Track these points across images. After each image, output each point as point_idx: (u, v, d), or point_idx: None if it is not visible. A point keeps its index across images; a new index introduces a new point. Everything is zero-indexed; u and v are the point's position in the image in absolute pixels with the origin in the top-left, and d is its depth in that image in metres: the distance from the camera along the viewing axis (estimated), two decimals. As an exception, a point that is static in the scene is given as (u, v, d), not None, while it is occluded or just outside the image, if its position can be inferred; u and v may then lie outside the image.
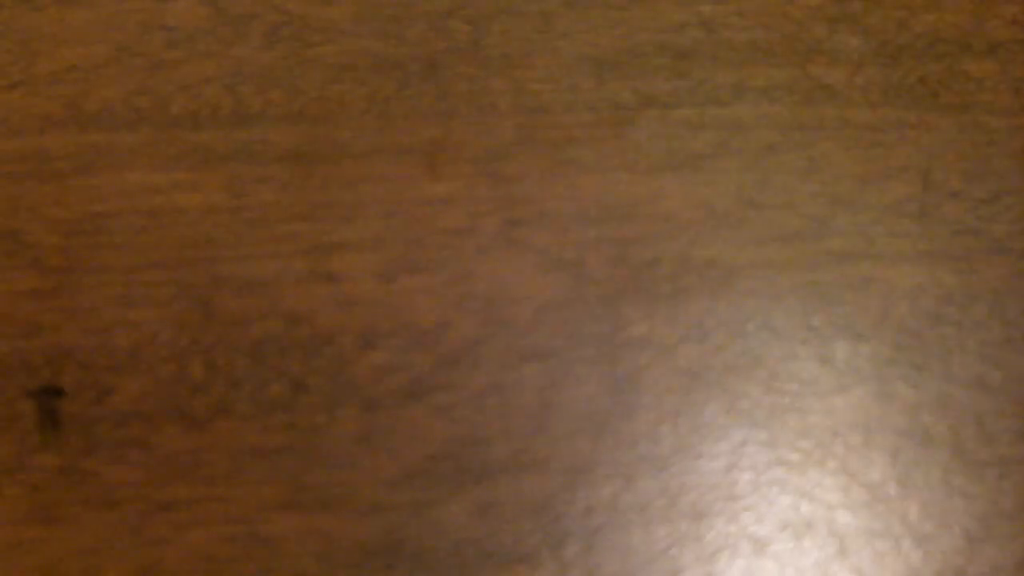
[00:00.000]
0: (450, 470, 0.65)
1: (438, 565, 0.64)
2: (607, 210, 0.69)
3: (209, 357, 0.66)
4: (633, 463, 0.66)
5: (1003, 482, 0.67)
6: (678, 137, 0.71)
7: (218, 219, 0.68)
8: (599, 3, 0.73)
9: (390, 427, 0.66)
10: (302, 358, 0.66)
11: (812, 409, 0.68)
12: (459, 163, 0.69)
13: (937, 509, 0.66)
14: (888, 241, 0.70)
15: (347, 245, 0.68)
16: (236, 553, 0.63)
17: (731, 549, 0.66)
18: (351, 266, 0.68)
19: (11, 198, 0.67)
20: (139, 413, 0.65)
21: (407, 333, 0.67)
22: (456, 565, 0.64)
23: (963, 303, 0.70)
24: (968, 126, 0.72)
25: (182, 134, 0.69)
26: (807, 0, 0.73)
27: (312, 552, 0.64)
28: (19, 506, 0.63)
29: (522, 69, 0.71)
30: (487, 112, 0.70)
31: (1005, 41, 0.73)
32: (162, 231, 0.67)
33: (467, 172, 0.69)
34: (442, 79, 0.71)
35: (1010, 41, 0.73)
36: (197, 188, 0.68)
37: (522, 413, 0.66)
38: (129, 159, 0.68)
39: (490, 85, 0.71)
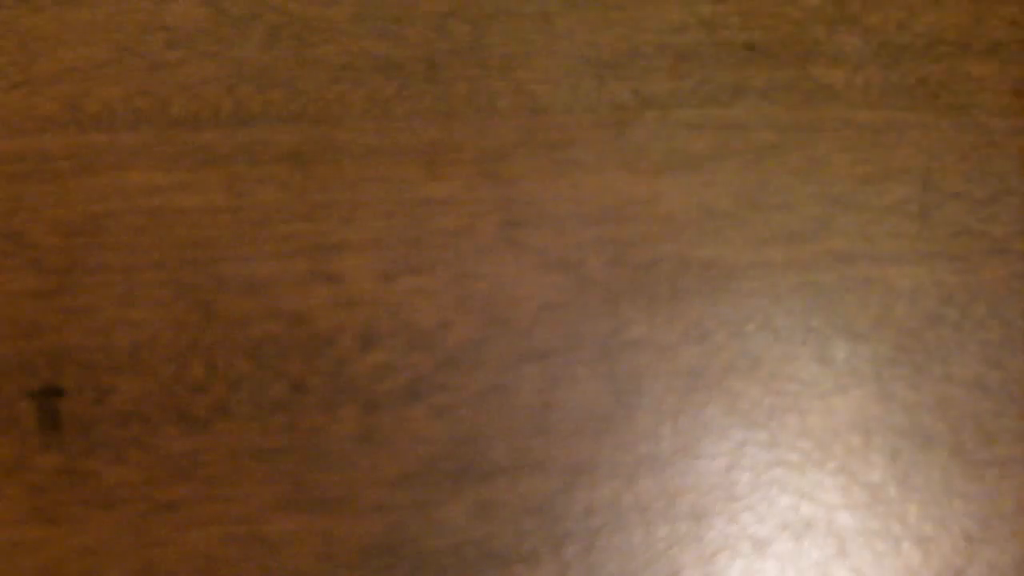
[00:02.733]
0: (450, 470, 0.65)
1: (438, 565, 0.64)
2: (607, 210, 0.69)
3: (209, 358, 0.66)
4: (633, 463, 0.66)
5: (1003, 482, 0.67)
6: (678, 137, 0.71)
7: (218, 219, 0.68)
8: (599, 3, 0.73)
9: (390, 427, 0.66)
10: (302, 358, 0.66)
11: (812, 409, 0.68)
12: (459, 163, 0.69)
13: (936, 510, 0.66)
14: (888, 241, 0.70)
15: (347, 245, 0.68)
16: (236, 553, 0.63)
17: (731, 549, 0.66)
18: (351, 266, 0.68)
19: (11, 198, 0.67)
20: (139, 413, 0.65)
21: (407, 333, 0.67)
22: (456, 565, 0.64)
23: (963, 303, 0.70)
24: (968, 126, 0.72)
25: (182, 134, 0.69)
26: (807, 0, 0.73)
27: (312, 552, 0.64)
28: (19, 506, 0.63)
29: (522, 70, 0.71)
30: (487, 112, 0.70)
31: (1005, 41, 0.73)
32: (162, 231, 0.67)
33: (467, 172, 0.69)
34: (442, 80, 0.71)
35: (1010, 41, 0.73)
36: (197, 188, 0.68)
37: (522, 413, 0.66)
38: (129, 159, 0.68)
39: (490, 86, 0.71)
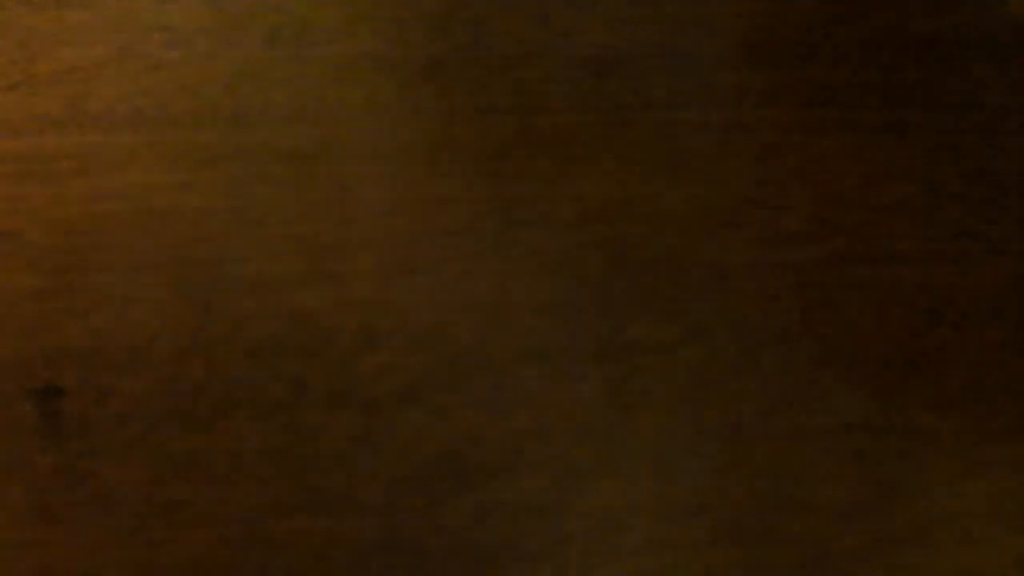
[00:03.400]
0: (450, 470, 0.65)
1: (438, 565, 0.64)
2: (607, 210, 0.69)
3: (209, 357, 0.66)
4: (633, 463, 0.66)
5: (1003, 482, 0.67)
6: (678, 137, 0.71)
7: (218, 219, 0.68)
8: (599, 3, 0.73)
9: (390, 428, 0.66)
10: (302, 358, 0.66)
11: (812, 409, 0.68)
12: (459, 163, 0.70)
13: (937, 509, 0.66)
14: (888, 241, 0.70)
15: (347, 245, 0.68)
16: (236, 553, 0.63)
17: (729, 547, 0.66)
18: (351, 266, 0.68)
19: (11, 198, 0.67)
20: (139, 413, 0.65)
21: (407, 333, 0.67)
22: (456, 565, 0.64)
23: (962, 303, 0.70)
24: (968, 126, 0.72)
25: (182, 134, 0.69)
26: (806, 1, 0.73)
27: (312, 552, 0.64)
28: (19, 506, 0.63)
29: (522, 69, 0.71)
30: (487, 112, 0.70)
31: (1005, 41, 0.74)
32: (162, 231, 0.68)
33: (467, 172, 0.69)
34: (442, 79, 0.71)
35: (1010, 41, 0.74)
36: (197, 188, 0.68)
37: (522, 413, 0.66)
38: (129, 159, 0.68)
39: (490, 85, 0.71)
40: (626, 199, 0.70)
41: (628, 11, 0.73)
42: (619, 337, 0.68)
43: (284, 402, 0.66)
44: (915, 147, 0.72)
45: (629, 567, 0.65)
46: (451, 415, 0.66)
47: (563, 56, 0.72)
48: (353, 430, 0.66)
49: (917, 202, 0.71)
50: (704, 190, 0.70)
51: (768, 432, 0.67)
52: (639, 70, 0.72)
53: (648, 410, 0.67)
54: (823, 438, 0.67)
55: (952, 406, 0.68)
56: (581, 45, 0.72)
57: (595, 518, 0.65)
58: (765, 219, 0.70)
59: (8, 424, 0.64)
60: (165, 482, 0.64)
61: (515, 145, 0.70)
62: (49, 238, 0.67)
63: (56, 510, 0.64)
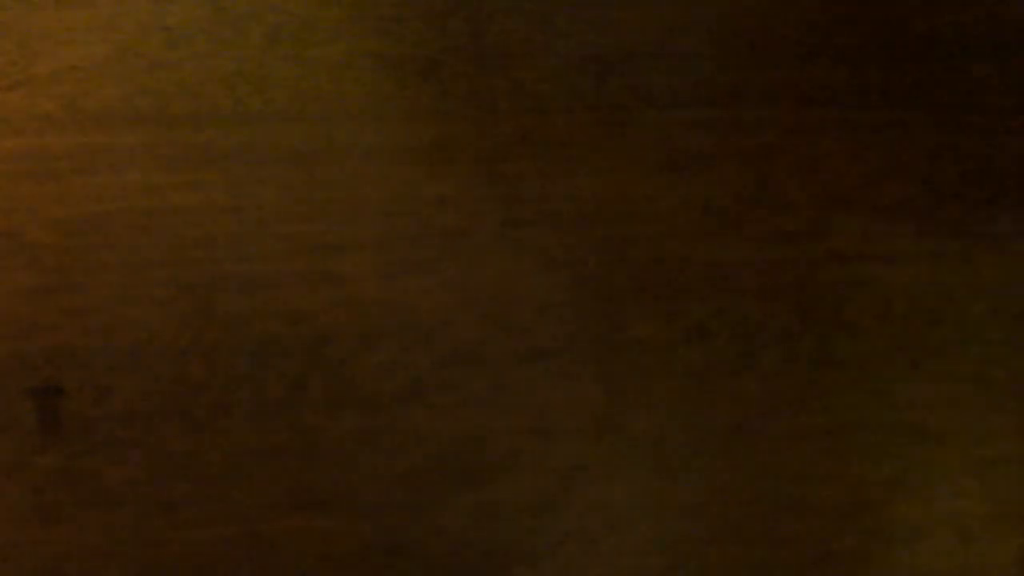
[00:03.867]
0: (450, 470, 0.65)
1: (438, 565, 0.64)
2: (607, 210, 0.69)
3: (209, 357, 0.66)
4: (633, 463, 0.66)
5: (1003, 481, 0.67)
6: (678, 137, 0.71)
7: (218, 219, 0.68)
8: (599, 3, 0.73)
9: (390, 427, 0.66)
10: (302, 358, 0.66)
11: (812, 409, 0.68)
12: (459, 163, 0.70)
13: (937, 509, 0.66)
14: (888, 241, 0.70)
15: (347, 245, 0.68)
16: (236, 553, 0.63)
17: (730, 546, 0.66)
18: (351, 266, 0.68)
19: (11, 198, 0.67)
20: (139, 413, 0.65)
21: (407, 333, 0.67)
22: (456, 565, 0.64)
23: (963, 303, 0.70)
24: (968, 126, 0.72)
25: (182, 134, 0.69)
26: (806, 0, 0.73)
27: (312, 552, 0.64)
28: (19, 506, 0.63)
29: (522, 69, 0.71)
30: (487, 111, 0.70)
31: (1005, 41, 0.74)
32: (162, 231, 0.68)
33: (467, 172, 0.69)
34: (442, 78, 0.71)
35: (1010, 41, 0.74)
36: (197, 188, 0.68)
37: (522, 413, 0.66)
38: (129, 159, 0.68)
39: (490, 84, 0.71)
40: (626, 199, 0.70)
41: (628, 11, 0.73)
42: (619, 337, 0.68)
43: (284, 402, 0.66)
44: (915, 147, 0.72)
45: (629, 566, 0.65)
46: (451, 415, 0.66)
47: (563, 56, 0.72)
48: (353, 430, 0.66)
49: (917, 202, 0.71)
50: (704, 190, 0.70)
51: (768, 432, 0.67)
52: (639, 70, 0.72)
53: (648, 409, 0.67)
54: (823, 438, 0.67)
55: (952, 406, 0.68)
56: (581, 45, 0.72)
57: (595, 517, 0.65)
58: (765, 218, 0.70)
59: (8, 423, 0.64)
60: (165, 481, 0.64)
61: (515, 145, 0.70)
62: (49, 237, 0.67)
63: (56, 510, 0.64)
